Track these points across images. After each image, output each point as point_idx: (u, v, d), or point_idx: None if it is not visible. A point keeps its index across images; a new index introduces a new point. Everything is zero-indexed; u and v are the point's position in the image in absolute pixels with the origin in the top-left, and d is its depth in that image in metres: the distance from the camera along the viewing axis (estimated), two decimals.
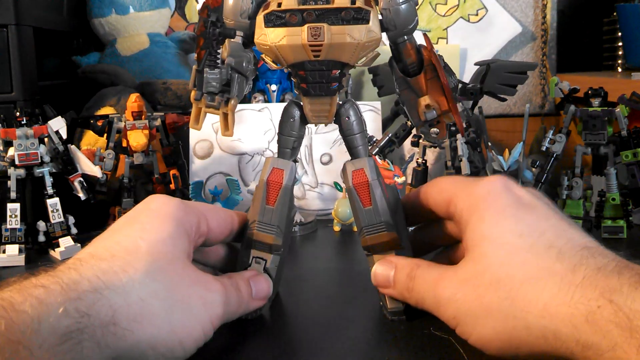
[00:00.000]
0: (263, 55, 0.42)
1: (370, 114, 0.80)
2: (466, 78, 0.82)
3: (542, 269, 0.33)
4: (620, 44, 1.05)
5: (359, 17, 0.39)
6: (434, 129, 0.45)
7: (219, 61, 0.42)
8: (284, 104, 0.44)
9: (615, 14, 1.03)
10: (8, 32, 0.73)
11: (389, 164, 0.70)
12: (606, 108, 0.67)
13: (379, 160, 0.71)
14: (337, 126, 0.45)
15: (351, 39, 0.39)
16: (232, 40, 0.43)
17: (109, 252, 0.36)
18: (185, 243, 0.39)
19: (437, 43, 1.07)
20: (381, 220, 0.42)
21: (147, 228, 0.38)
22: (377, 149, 0.74)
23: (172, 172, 0.72)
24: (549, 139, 0.68)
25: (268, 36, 0.40)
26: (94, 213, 0.70)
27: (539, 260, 0.34)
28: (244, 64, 0.43)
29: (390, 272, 0.41)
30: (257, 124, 0.79)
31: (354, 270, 0.57)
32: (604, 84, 0.70)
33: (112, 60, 0.98)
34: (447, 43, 1.07)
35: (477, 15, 1.06)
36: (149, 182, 0.74)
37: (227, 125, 0.44)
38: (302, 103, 0.43)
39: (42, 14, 0.86)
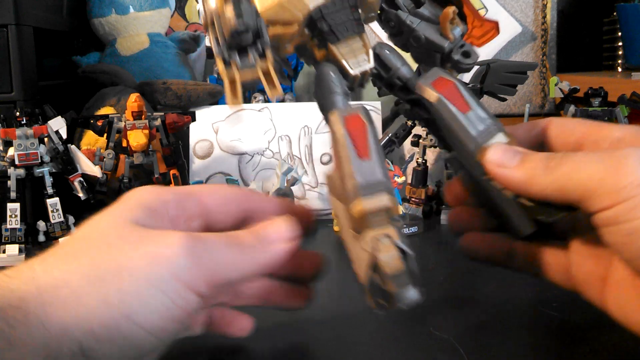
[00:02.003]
0: (270, 30, 0.35)
1: (370, 114, 0.80)
2: (466, 78, 0.82)
3: None
4: (620, 44, 1.05)
5: None
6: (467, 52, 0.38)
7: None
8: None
9: (615, 14, 1.03)
10: (8, 32, 0.73)
11: (389, 164, 0.70)
12: (606, 108, 0.67)
13: None
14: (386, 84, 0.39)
15: None
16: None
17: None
18: (144, 216, 0.33)
19: None
20: (489, 122, 0.35)
21: (97, 218, 0.34)
22: None
23: (172, 172, 0.72)
24: None
25: None
26: (94, 213, 0.70)
27: None
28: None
29: (518, 154, 0.33)
30: (257, 124, 0.79)
31: (354, 270, 0.57)
32: (604, 84, 0.70)
33: (112, 60, 0.98)
34: None
35: None
36: (149, 182, 0.73)
37: (272, 83, 0.34)
38: (331, 62, 0.36)
39: (42, 14, 0.86)
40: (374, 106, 0.81)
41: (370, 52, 0.35)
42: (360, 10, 0.36)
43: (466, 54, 0.38)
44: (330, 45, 0.35)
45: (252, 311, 0.47)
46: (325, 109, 0.35)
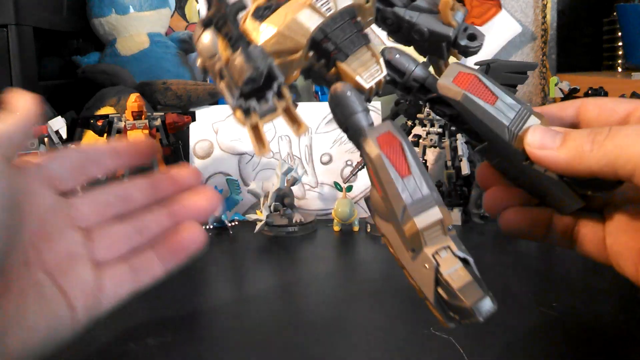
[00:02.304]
0: (275, 62, 0.34)
1: (370, 114, 0.80)
2: None
3: None
4: (620, 44, 1.05)
5: None
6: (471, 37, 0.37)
7: (247, 40, 0.32)
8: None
9: (615, 14, 1.03)
10: (8, 32, 0.73)
11: None
12: None
13: None
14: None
15: None
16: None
17: None
18: None
19: None
20: (519, 107, 0.34)
21: None
22: None
23: None
24: None
25: (269, 27, 0.34)
26: None
27: None
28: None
29: (558, 134, 0.32)
30: None
31: (354, 270, 0.57)
32: (604, 84, 0.70)
33: (112, 60, 0.98)
34: None
35: None
36: None
37: (296, 121, 0.33)
38: (345, 80, 0.35)
39: (42, 14, 0.86)
40: (374, 106, 0.81)
41: (381, 61, 0.35)
42: (359, 19, 0.35)
43: (472, 37, 0.37)
44: (339, 64, 0.35)
45: (252, 311, 0.47)
46: (352, 131, 0.34)
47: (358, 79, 0.34)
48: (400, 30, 0.38)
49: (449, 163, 0.71)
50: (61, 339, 0.33)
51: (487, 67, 0.75)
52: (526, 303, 0.47)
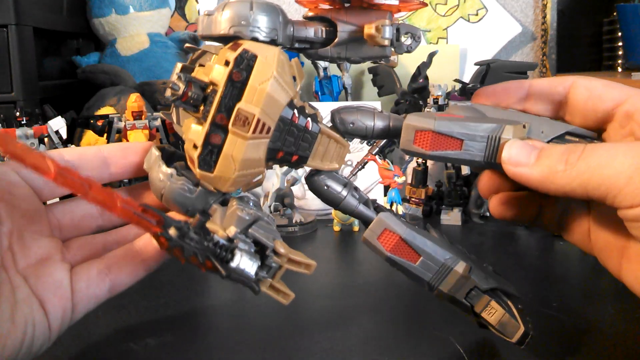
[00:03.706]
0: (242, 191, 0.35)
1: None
2: (466, 78, 0.82)
3: None
4: (620, 44, 1.05)
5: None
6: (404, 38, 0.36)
7: (229, 255, 0.30)
8: None
9: (615, 14, 1.03)
10: (8, 32, 0.73)
11: (389, 164, 0.70)
12: None
13: (379, 160, 0.71)
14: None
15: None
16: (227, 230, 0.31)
17: None
18: None
19: (437, 43, 1.07)
20: (441, 262, 0.36)
21: None
22: (377, 149, 0.74)
23: None
24: None
25: (223, 175, 0.32)
26: None
27: None
28: (246, 224, 0.32)
29: (534, 150, 0.32)
30: None
31: (354, 270, 0.57)
32: None
33: (112, 60, 0.98)
34: (447, 43, 1.07)
35: (477, 15, 1.06)
36: None
37: (305, 266, 0.34)
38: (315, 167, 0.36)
39: (42, 14, 0.86)
40: (374, 106, 0.81)
41: (341, 140, 0.35)
42: (296, 109, 0.33)
43: (412, 37, 0.36)
44: (305, 165, 0.35)
45: (250, 312, 0.47)
46: (352, 214, 0.36)
47: (328, 167, 0.35)
48: (342, 64, 0.38)
49: (449, 163, 0.71)
50: (37, 347, 0.32)
51: (487, 67, 0.75)
52: (526, 303, 0.47)
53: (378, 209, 0.37)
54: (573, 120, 0.36)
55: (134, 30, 0.99)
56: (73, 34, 1.02)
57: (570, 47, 1.10)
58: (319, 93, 0.94)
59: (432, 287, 0.36)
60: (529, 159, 0.32)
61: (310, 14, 0.36)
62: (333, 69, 0.94)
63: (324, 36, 0.36)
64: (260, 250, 0.32)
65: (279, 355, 0.39)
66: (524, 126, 0.34)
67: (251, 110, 0.30)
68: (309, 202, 0.77)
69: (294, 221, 0.70)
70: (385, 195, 0.70)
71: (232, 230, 0.31)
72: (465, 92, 0.75)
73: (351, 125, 0.35)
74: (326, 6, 0.36)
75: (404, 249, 0.35)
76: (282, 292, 0.34)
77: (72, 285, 0.34)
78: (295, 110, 0.33)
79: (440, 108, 0.73)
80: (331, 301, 0.49)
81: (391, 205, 0.68)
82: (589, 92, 0.35)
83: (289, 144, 0.33)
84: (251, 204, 0.34)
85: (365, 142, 0.75)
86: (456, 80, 0.78)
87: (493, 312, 0.35)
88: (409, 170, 0.77)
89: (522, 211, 0.37)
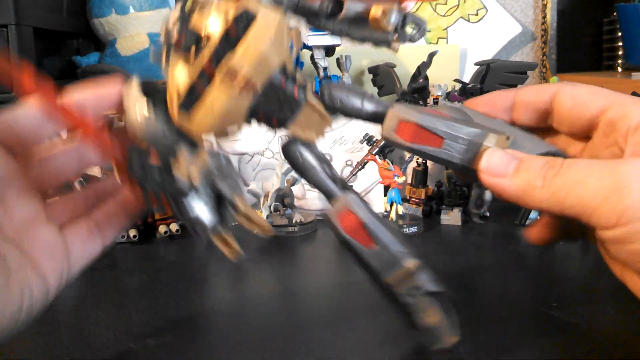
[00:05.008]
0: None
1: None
2: (466, 78, 0.82)
3: None
4: (620, 44, 1.05)
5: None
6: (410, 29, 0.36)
7: (188, 189, 0.31)
8: None
9: (615, 14, 1.03)
10: (8, 32, 0.73)
11: (388, 164, 0.70)
12: None
13: (379, 160, 0.71)
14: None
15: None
16: (188, 165, 0.32)
17: None
18: None
19: (437, 43, 1.07)
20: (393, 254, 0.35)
21: None
22: (377, 149, 0.74)
23: None
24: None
25: (201, 119, 0.32)
26: None
27: None
28: (216, 168, 0.33)
29: (513, 160, 0.31)
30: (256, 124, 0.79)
31: (354, 270, 0.57)
32: (604, 84, 0.69)
33: (112, 60, 0.98)
34: (447, 43, 1.07)
35: (477, 15, 1.06)
36: None
37: (260, 225, 0.34)
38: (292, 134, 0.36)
39: (42, 14, 0.86)
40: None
41: (324, 114, 0.35)
42: (286, 75, 0.33)
43: (418, 27, 0.36)
44: (286, 129, 0.35)
45: (250, 313, 0.47)
46: (319, 188, 0.37)
47: (306, 137, 0.35)
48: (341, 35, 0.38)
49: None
50: (37, 310, 0.32)
51: (487, 67, 0.75)
52: (526, 303, 0.47)
53: (346, 189, 0.37)
54: (560, 128, 0.36)
55: (134, 30, 0.99)
56: (73, 34, 1.02)
57: (570, 47, 1.10)
58: (318, 93, 0.94)
59: (378, 277, 0.35)
60: (507, 170, 0.31)
61: None
62: (333, 69, 0.94)
63: (328, 10, 0.35)
64: (219, 202, 0.32)
65: (279, 355, 0.39)
66: (508, 138, 0.33)
67: (242, 67, 0.30)
68: (309, 202, 0.77)
69: (294, 221, 0.70)
70: (385, 195, 0.70)
71: (195, 176, 0.31)
72: (465, 92, 0.75)
73: (339, 102, 0.35)
74: None
75: (424, 135, 0.34)
76: (231, 247, 0.34)
77: (68, 246, 0.34)
78: (286, 76, 0.33)
79: None
80: (331, 301, 0.49)
81: (391, 205, 0.68)
82: (574, 99, 0.34)
83: (273, 107, 0.33)
84: (222, 157, 0.35)
85: (366, 142, 0.75)
86: (456, 80, 0.78)
87: (430, 315, 0.35)
88: (409, 170, 0.77)
89: (565, 230, 0.37)
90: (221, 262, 0.61)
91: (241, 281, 0.55)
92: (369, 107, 0.35)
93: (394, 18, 0.34)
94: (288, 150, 0.36)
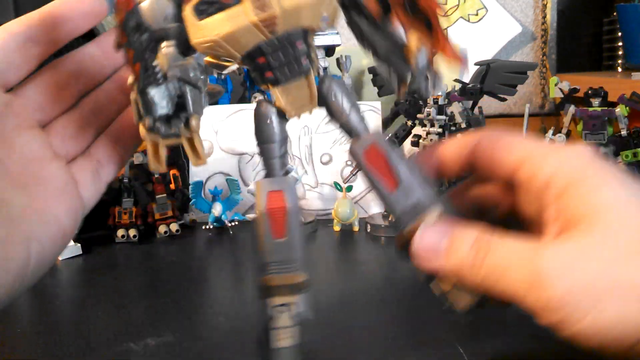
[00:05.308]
0: (208, 58, 0.35)
1: (370, 114, 0.80)
2: (466, 78, 0.82)
3: None
4: (620, 44, 1.05)
5: None
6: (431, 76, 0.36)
7: (159, 75, 0.32)
8: None
9: (615, 14, 1.03)
10: None
11: None
12: (606, 108, 0.67)
13: None
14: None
15: None
16: (165, 48, 0.33)
17: None
18: None
19: None
20: (419, 198, 0.34)
21: None
22: None
23: (172, 172, 0.72)
24: (548, 139, 0.69)
25: (207, 29, 0.32)
26: (94, 213, 0.70)
27: None
28: (190, 73, 0.33)
29: (443, 238, 0.32)
30: None
31: (355, 270, 0.57)
32: (604, 84, 0.70)
33: None
34: None
35: (477, 15, 1.06)
36: (149, 182, 0.73)
37: (196, 152, 0.33)
38: (273, 98, 0.35)
39: None
40: (374, 106, 0.81)
41: (315, 98, 0.34)
42: (307, 43, 0.33)
43: (433, 83, 0.36)
44: (271, 86, 0.34)
45: (250, 313, 0.47)
46: (263, 157, 0.35)
47: (285, 107, 0.34)
48: (362, 41, 0.37)
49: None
50: (51, 257, 0.30)
51: (487, 67, 0.75)
52: None
53: (287, 174, 0.36)
54: (490, 180, 0.36)
55: None
56: None
57: (570, 47, 1.10)
58: (319, 80, 0.94)
59: (405, 224, 0.33)
60: (439, 249, 0.31)
61: None
62: (333, 69, 0.94)
63: (372, 15, 0.35)
64: (177, 111, 0.32)
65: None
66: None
67: (274, 4, 0.30)
68: (309, 202, 0.77)
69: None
70: None
71: (170, 68, 0.31)
72: (465, 92, 0.75)
73: (333, 96, 0.35)
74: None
75: (385, 171, 0.34)
76: (196, 152, 0.33)
77: (77, 182, 0.33)
78: (304, 40, 0.33)
79: (440, 108, 0.73)
80: (331, 301, 0.49)
81: None
82: (490, 156, 0.34)
83: (276, 59, 0.33)
84: (200, 75, 0.34)
85: None
86: (456, 80, 0.78)
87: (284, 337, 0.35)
88: None
89: None
90: (221, 262, 0.61)
91: (241, 281, 0.55)
92: (353, 117, 0.35)
93: (422, 56, 0.35)
94: (259, 109, 0.35)
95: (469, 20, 1.06)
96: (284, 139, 0.36)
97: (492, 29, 1.06)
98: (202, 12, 0.31)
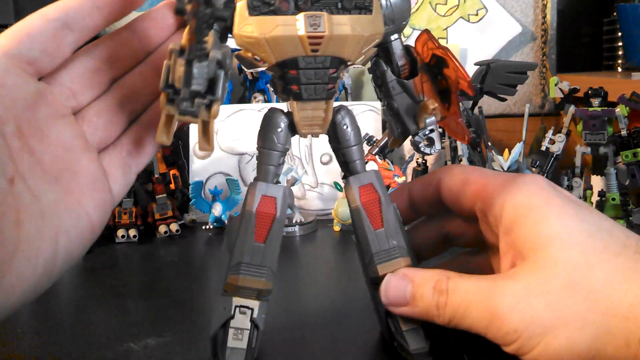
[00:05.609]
0: (242, 52, 0.35)
1: (370, 114, 0.80)
2: None
3: (625, 269, 0.30)
4: (620, 44, 1.05)
5: (361, 6, 0.34)
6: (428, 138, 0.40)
7: (205, 52, 0.32)
8: (283, 104, 0.38)
9: (615, 14, 1.03)
10: None
11: (388, 164, 0.70)
12: (606, 108, 0.67)
13: (378, 160, 0.71)
14: (336, 155, 0.39)
15: (355, 30, 0.33)
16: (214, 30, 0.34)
17: None
18: None
19: None
20: (394, 245, 0.36)
21: None
22: (377, 149, 0.74)
23: (172, 172, 0.72)
24: (548, 139, 0.69)
25: (254, 26, 0.32)
26: None
27: (618, 259, 0.31)
28: (228, 60, 0.33)
29: (407, 287, 0.35)
30: (257, 124, 0.79)
31: (355, 270, 0.57)
32: (604, 84, 0.70)
33: None
34: (447, 43, 1.06)
35: (477, 15, 1.06)
36: (149, 182, 0.74)
37: (207, 138, 0.33)
38: (289, 109, 0.37)
39: None
40: (374, 106, 0.81)
41: (328, 122, 0.36)
42: (339, 70, 0.35)
43: (431, 142, 0.39)
44: (292, 100, 0.35)
45: None
46: (259, 156, 0.37)
47: (298, 122, 0.36)
48: (380, 89, 0.40)
49: (449, 163, 0.71)
50: (80, 250, 0.30)
51: (487, 67, 0.75)
52: None
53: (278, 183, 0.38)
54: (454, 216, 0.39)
55: None
56: None
57: (570, 47, 1.10)
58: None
59: (369, 262, 0.36)
60: (404, 298, 0.35)
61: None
62: None
63: (400, 71, 0.39)
64: (205, 92, 0.32)
65: (279, 355, 0.39)
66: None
67: (327, 27, 0.32)
68: (309, 202, 0.77)
69: (294, 221, 0.70)
70: None
71: (213, 48, 0.32)
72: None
73: (344, 126, 0.37)
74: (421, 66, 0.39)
75: (374, 211, 0.37)
76: (207, 138, 0.33)
77: (107, 175, 0.32)
78: (337, 69, 0.35)
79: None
80: (331, 301, 0.49)
81: None
82: (450, 192, 0.38)
83: (308, 77, 0.34)
84: (229, 61, 0.34)
85: (365, 142, 0.75)
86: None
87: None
88: (409, 171, 0.77)
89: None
90: (221, 262, 0.61)
91: None
92: (355, 152, 0.37)
93: (432, 120, 0.38)
94: (270, 118, 0.37)
95: (469, 20, 1.06)
96: (286, 150, 0.37)
97: (492, 29, 1.06)
98: (255, 8, 0.32)
